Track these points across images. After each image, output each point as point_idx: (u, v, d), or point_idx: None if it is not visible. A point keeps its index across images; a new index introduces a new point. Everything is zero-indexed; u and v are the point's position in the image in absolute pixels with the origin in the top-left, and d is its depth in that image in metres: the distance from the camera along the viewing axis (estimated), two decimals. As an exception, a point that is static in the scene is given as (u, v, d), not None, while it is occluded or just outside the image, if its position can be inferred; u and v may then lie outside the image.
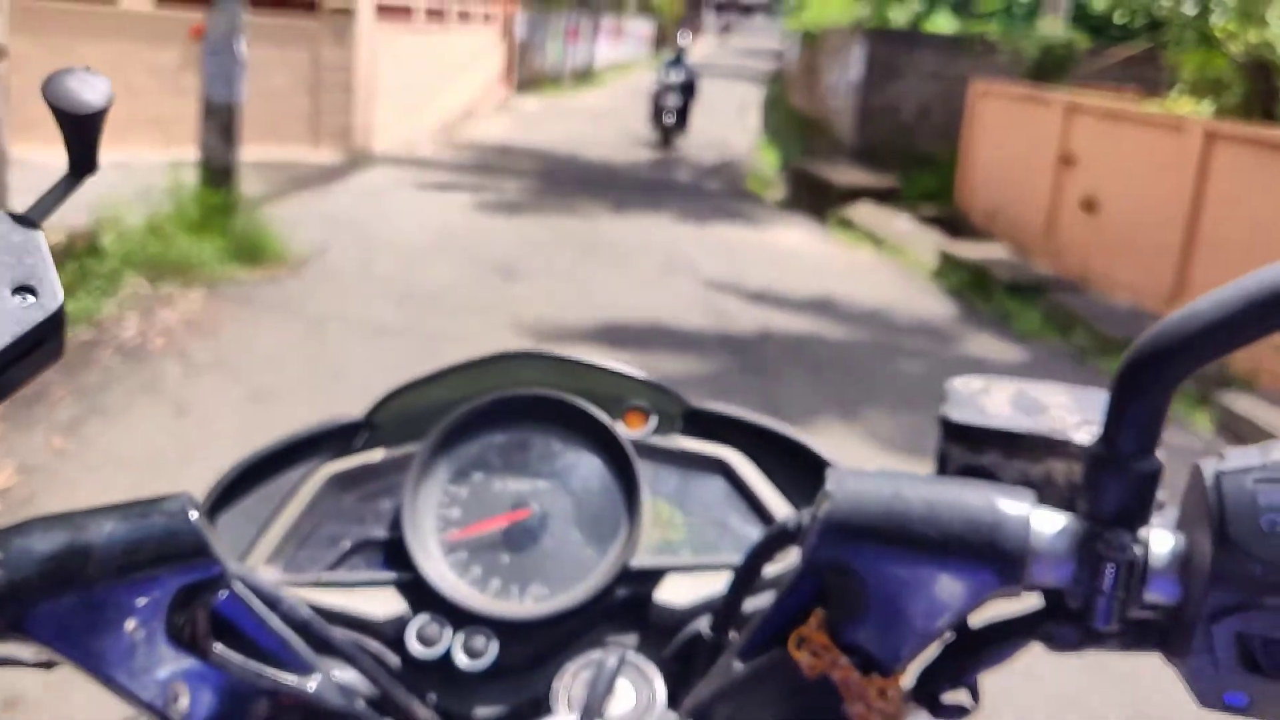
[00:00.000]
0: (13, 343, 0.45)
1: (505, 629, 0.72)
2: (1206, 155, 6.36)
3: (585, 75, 23.27)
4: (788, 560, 0.69)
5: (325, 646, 0.61)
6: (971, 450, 0.61)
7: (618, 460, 0.79)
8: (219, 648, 0.56)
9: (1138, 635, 0.52)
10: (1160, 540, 0.50)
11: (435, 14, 13.22)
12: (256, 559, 0.77)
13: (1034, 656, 0.57)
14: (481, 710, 0.71)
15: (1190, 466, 0.50)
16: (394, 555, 0.76)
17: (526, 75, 19.00)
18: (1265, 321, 0.45)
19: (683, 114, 13.77)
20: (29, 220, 0.49)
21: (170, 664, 0.53)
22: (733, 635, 0.65)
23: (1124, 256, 6.99)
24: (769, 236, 8.68)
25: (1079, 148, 8.07)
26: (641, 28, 32.20)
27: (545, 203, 9.29)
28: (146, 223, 5.76)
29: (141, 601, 0.52)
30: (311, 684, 0.58)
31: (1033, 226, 8.49)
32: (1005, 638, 0.56)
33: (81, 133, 0.50)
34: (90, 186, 0.52)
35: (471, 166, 11.08)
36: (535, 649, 0.72)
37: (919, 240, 8.37)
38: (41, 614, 0.50)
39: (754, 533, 0.79)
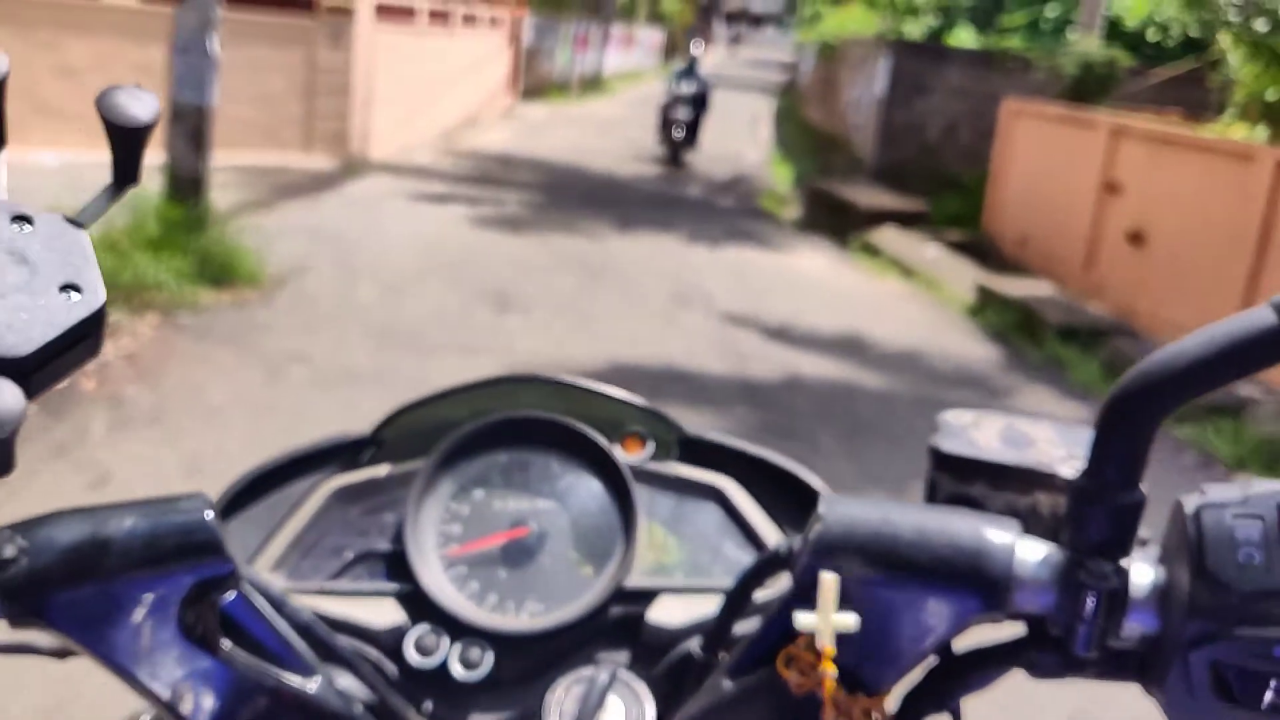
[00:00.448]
0: (58, 337, 0.46)
1: (501, 642, 0.73)
2: (1278, 187, 5.70)
3: (593, 83, 22.62)
4: (778, 586, 0.69)
5: (327, 651, 0.62)
6: (960, 480, 0.62)
7: (615, 484, 0.80)
8: (227, 645, 0.56)
9: (1117, 664, 0.53)
10: (1140, 571, 0.51)
11: (439, 16, 12.57)
12: (261, 566, 0.78)
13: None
14: None
15: (1172, 502, 0.50)
16: (395, 567, 0.77)
17: (533, 82, 18.34)
18: (1246, 363, 0.46)
19: (693, 128, 12.92)
20: (78, 223, 0.51)
21: (180, 658, 0.54)
22: (722, 656, 0.65)
23: (1175, 295, 6.33)
24: (787, 261, 8.01)
25: (1125, 175, 7.40)
26: (651, 36, 31.58)
27: (547, 219, 8.63)
28: (99, 237, 5.09)
29: (156, 595, 0.53)
30: (313, 686, 0.59)
31: (1070, 258, 7.82)
32: (988, 663, 0.57)
33: (128, 145, 0.51)
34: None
35: (471, 177, 10.42)
36: (529, 663, 0.73)
37: (951, 270, 7.69)
38: (61, 603, 0.51)
39: (746, 558, 0.80)
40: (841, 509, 0.54)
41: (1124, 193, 7.38)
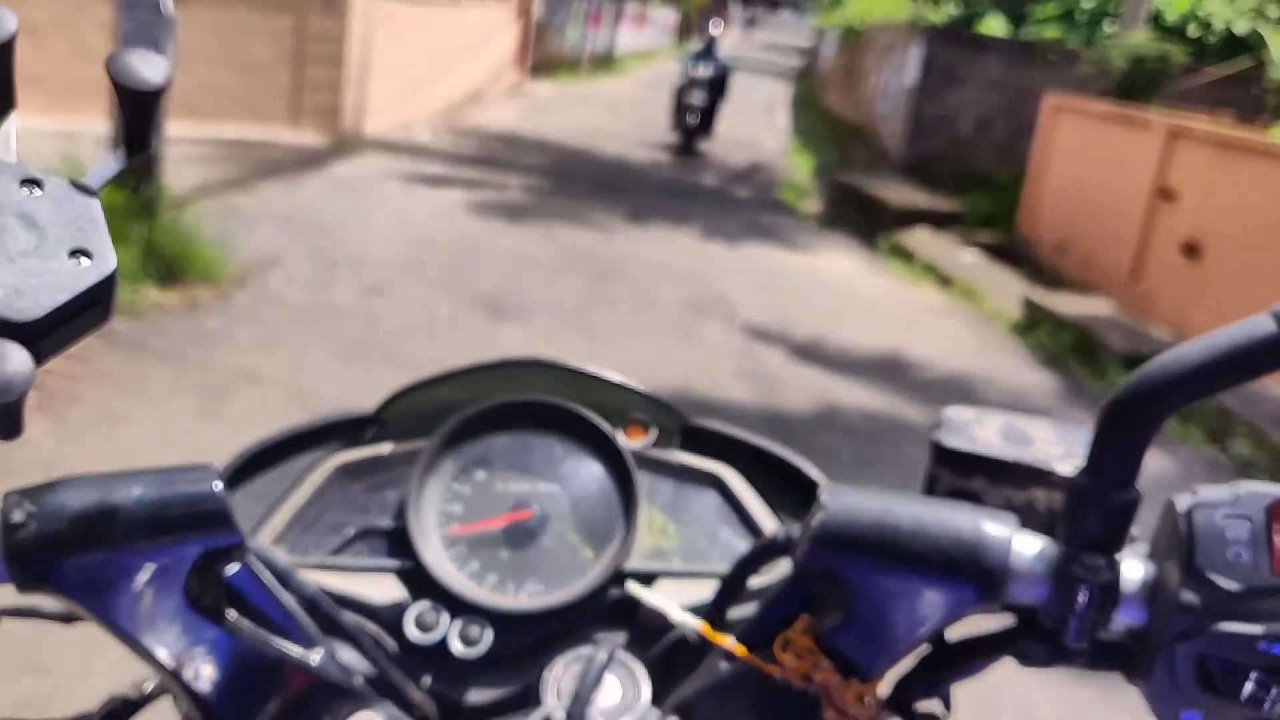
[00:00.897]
0: (67, 302, 0.46)
1: (500, 620, 0.72)
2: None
3: (605, 62, 21.77)
4: (773, 573, 0.71)
5: (329, 625, 0.63)
6: (960, 475, 0.63)
7: (617, 469, 0.80)
8: (232, 615, 0.56)
9: (1104, 655, 0.54)
10: (1132, 567, 0.52)
11: (444, -15, 11.76)
12: (263, 540, 0.77)
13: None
14: (473, 696, 0.71)
15: (1164, 502, 0.51)
16: (396, 544, 0.77)
17: (541, 58, 17.51)
18: (1245, 369, 0.47)
19: (709, 115, 11.88)
20: (87, 188, 0.50)
21: (185, 627, 0.54)
22: None
23: (1234, 312, 5.50)
24: (812, 263, 7.26)
25: (1182, 181, 6.65)
26: (666, 16, 30.67)
27: (552, 207, 7.87)
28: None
29: (163, 564, 0.53)
30: (315, 658, 0.59)
31: (1115, 268, 7.08)
32: (979, 651, 0.58)
33: (139, 109, 0.50)
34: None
35: (472, 158, 9.66)
36: (528, 641, 0.72)
37: (992, 280, 6.94)
38: (68, 568, 0.51)
39: (743, 545, 0.80)
40: (844, 498, 0.55)
41: (1179, 200, 6.64)
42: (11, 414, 0.43)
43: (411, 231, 6.46)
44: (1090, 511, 0.51)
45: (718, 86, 11.82)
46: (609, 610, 0.75)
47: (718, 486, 0.84)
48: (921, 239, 7.81)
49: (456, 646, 0.71)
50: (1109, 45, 9.05)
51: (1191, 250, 6.31)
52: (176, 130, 8.28)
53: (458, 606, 0.72)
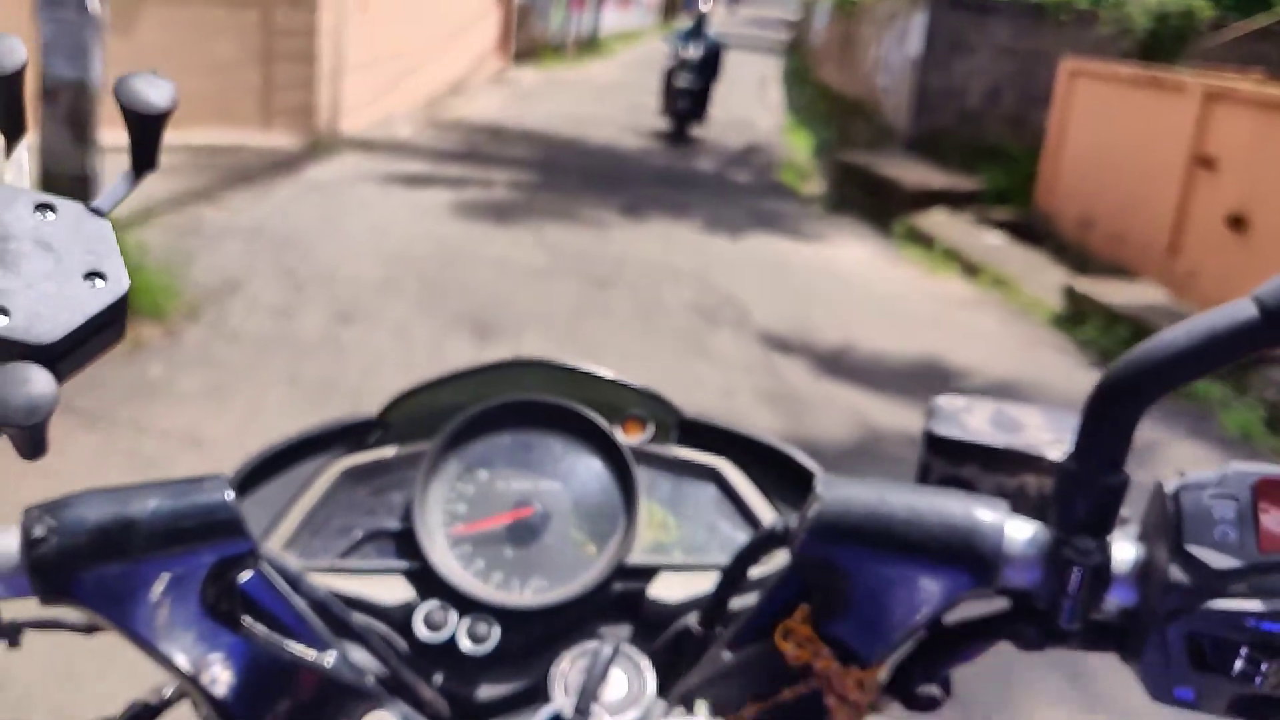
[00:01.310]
0: (84, 323, 0.47)
1: (507, 617, 0.73)
2: None
3: (590, 44, 21.06)
4: (772, 564, 0.72)
5: (341, 627, 0.63)
6: (952, 463, 0.63)
7: (616, 465, 0.80)
8: (246, 620, 0.56)
9: (1098, 636, 0.54)
10: (1122, 549, 0.52)
11: (419, -29, 11.09)
12: (273, 545, 0.77)
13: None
14: (484, 692, 0.72)
15: (1153, 484, 0.51)
16: (403, 546, 0.77)
17: (525, 44, 16.81)
18: (1228, 353, 0.47)
19: (701, 99, 11.00)
20: (99, 211, 0.50)
21: (202, 633, 0.54)
22: (719, 630, 0.66)
23: None
24: (824, 254, 6.66)
25: (1223, 147, 6.05)
26: (649, -6, 29.89)
27: (541, 204, 7.26)
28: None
29: (178, 573, 0.53)
30: (328, 660, 0.59)
31: (1150, 244, 6.49)
32: (976, 636, 0.58)
33: (145, 132, 0.51)
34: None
35: (456, 153, 9.03)
36: (535, 637, 0.73)
37: (1022, 266, 6.34)
38: (88, 580, 0.51)
39: (742, 537, 0.80)
40: (839, 489, 0.55)
41: (1220, 169, 6.04)
42: (38, 435, 0.44)
43: (389, 240, 5.85)
44: (1080, 496, 0.51)
45: (709, 67, 10.96)
46: (613, 604, 0.75)
47: (715, 480, 0.84)
48: (938, 221, 7.21)
49: (465, 644, 0.72)
50: (1129, 3, 8.41)
51: (1238, 223, 5.73)
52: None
53: (465, 605, 0.73)
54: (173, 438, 3.15)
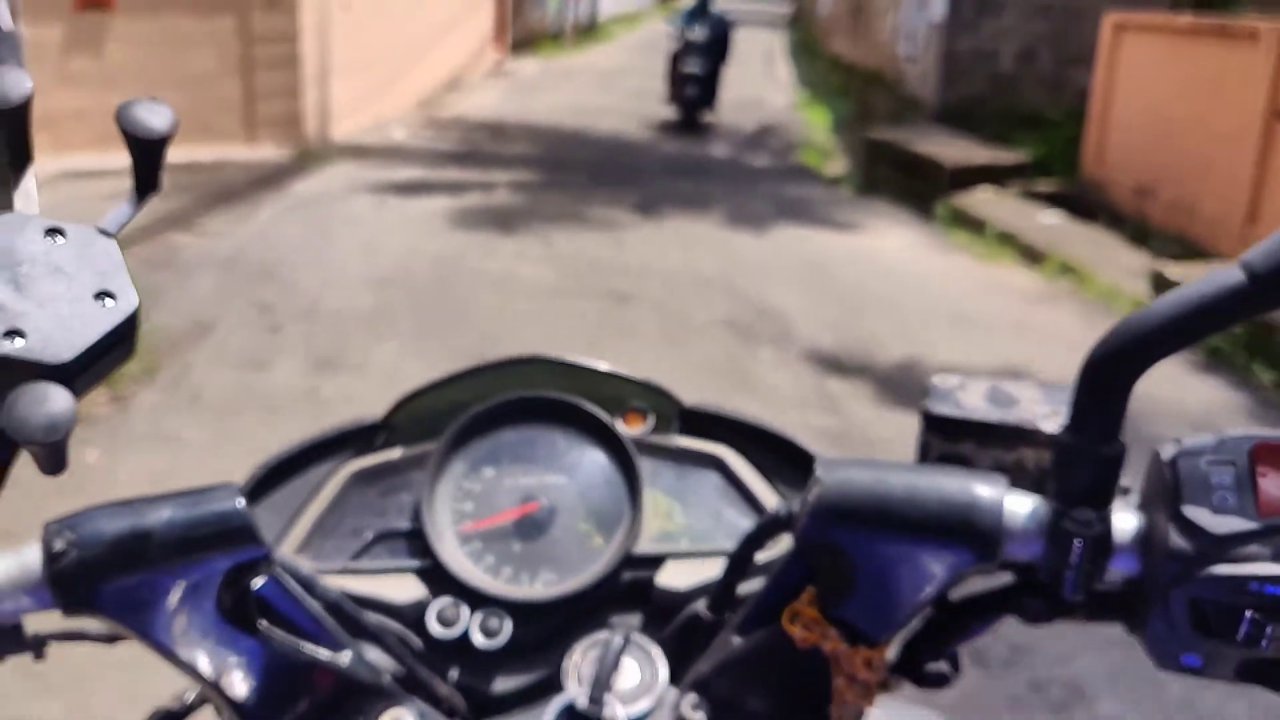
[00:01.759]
0: (97, 341, 0.48)
1: (518, 610, 0.73)
2: None
3: (589, 30, 20.26)
4: (778, 547, 0.71)
5: (355, 627, 0.63)
6: (949, 440, 0.63)
7: (619, 457, 0.80)
8: (263, 625, 0.57)
9: (1102, 606, 0.54)
10: (1122, 518, 0.51)
11: (405, -36, 10.36)
12: (286, 549, 0.78)
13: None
14: (499, 686, 0.71)
15: (1150, 452, 0.50)
16: (413, 545, 0.77)
17: (522, 34, 16.05)
18: (1217, 320, 0.46)
19: (710, 84, 9.98)
20: (107, 232, 0.51)
21: (220, 639, 0.54)
22: (728, 616, 0.65)
23: None
24: (864, 245, 5.94)
25: (1308, 101, 5.29)
26: (646, -25, 28.99)
27: (547, 208, 6.56)
28: None
29: (195, 581, 0.53)
30: (344, 660, 0.59)
31: (1223, 213, 5.74)
32: (981, 611, 0.58)
33: (147, 156, 0.52)
34: None
35: (454, 154, 8.33)
36: (546, 629, 0.73)
37: (1091, 250, 5.59)
38: (109, 591, 0.52)
39: (746, 523, 0.80)
40: (839, 471, 0.54)
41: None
42: (58, 451, 0.45)
43: (380, 261, 5.17)
44: (1077, 467, 0.51)
45: (718, 49, 9.95)
46: (622, 594, 0.75)
47: (718, 467, 0.84)
48: (985, 200, 6.46)
49: (478, 639, 0.72)
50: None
51: (1326, 184, 4.99)
52: (112, 162, 7.02)
53: (477, 600, 0.73)
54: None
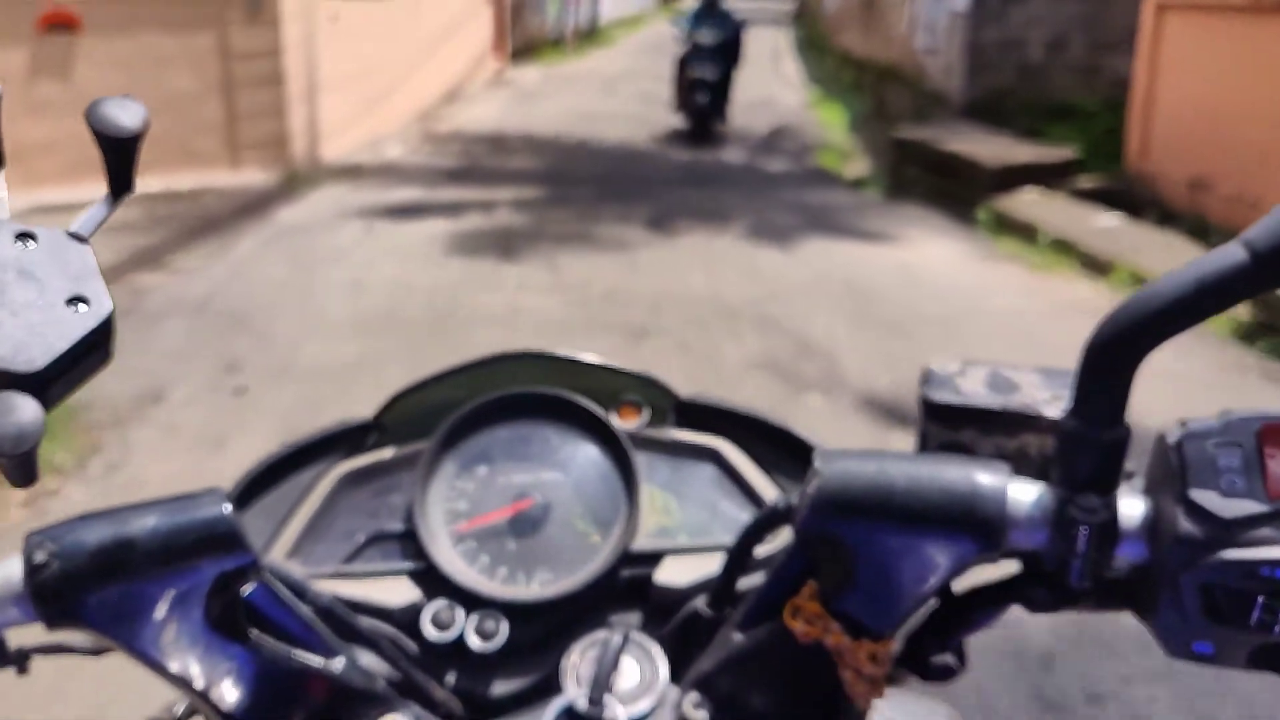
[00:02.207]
0: (70, 348, 0.46)
1: (515, 611, 0.70)
2: None
3: (591, 35, 19.60)
4: (777, 541, 0.70)
5: (348, 632, 0.61)
6: (950, 428, 0.60)
7: (614, 451, 0.78)
8: (253, 632, 0.55)
9: (1110, 594, 0.52)
10: (1129, 504, 0.50)
11: (396, -28, 9.71)
12: (276, 554, 0.75)
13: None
14: (496, 689, 0.69)
15: (1155, 436, 0.48)
16: (406, 547, 0.75)
17: (523, 41, 15.39)
18: (1220, 300, 0.45)
19: (721, 89, 8.83)
20: (79, 236, 0.50)
21: (209, 648, 0.53)
22: (729, 612, 0.64)
23: None
24: (903, 259, 5.27)
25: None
26: (646, -23, 28.29)
27: (552, 227, 5.91)
28: None
29: (182, 590, 0.52)
30: (337, 666, 0.57)
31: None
32: (987, 602, 0.56)
33: (119, 155, 0.50)
34: None
35: (453, 171, 7.69)
36: (544, 630, 0.71)
37: (1161, 255, 4.91)
38: (92, 603, 0.50)
39: (745, 516, 0.78)
40: (838, 462, 0.52)
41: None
42: (27, 463, 0.44)
43: (368, 299, 4.53)
44: (1081, 453, 0.49)
45: (729, 52, 8.94)
46: (620, 592, 0.73)
47: (715, 459, 0.81)
48: (1031, 203, 5.79)
49: (474, 641, 0.69)
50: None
51: None
52: (86, 194, 6.41)
53: (472, 602, 0.70)
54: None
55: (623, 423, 0.82)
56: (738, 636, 0.56)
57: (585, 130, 9.53)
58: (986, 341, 4.01)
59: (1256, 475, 0.46)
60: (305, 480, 0.81)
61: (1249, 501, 0.46)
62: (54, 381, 0.46)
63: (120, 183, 0.51)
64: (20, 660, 0.56)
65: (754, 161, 8.27)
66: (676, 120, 9.60)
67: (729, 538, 0.66)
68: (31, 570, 0.50)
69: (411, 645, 0.69)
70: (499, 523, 0.74)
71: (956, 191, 6.22)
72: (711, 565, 0.69)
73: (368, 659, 0.62)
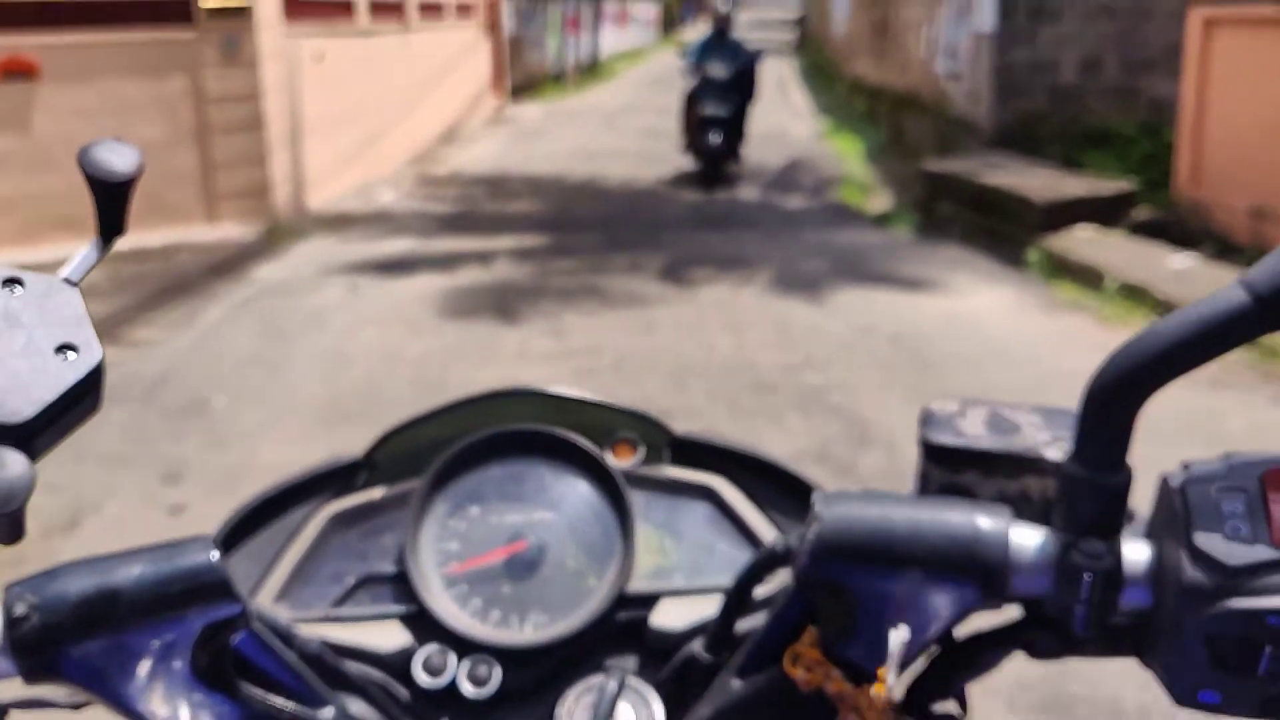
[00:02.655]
0: (58, 398, 0.45)
1: (508, 656, 0.68)
2: None
3: (591, 69, 19.10)
4: (776, 582, 0.65)
5: (337, 679, 0.60)
6: (950, 470, 0.58)
7: (609, 490, 0.75)
8: (241, 685, 0.53)
9: (1115, 640, 0.50)
10: (1133, 549, 0.48)
11: (387, 9, 9.14)
12: (264, 598, 0.72)
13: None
14: None
15: (1158, 479, 0.47)
16: (397, 589, 0.72)
17: (521, 77, 14.85)
18: (1222, 343, 0.43)
19: (736, 128, 7.90)
20: (69, 281, 0.49)
21: (195, 701, 0.51)
22: (726, 656, 0.60)
23: None
24: (953, 309, 4.62)
25: None
26: (647, 10, 27.90)
27: (557, 281, 5.27)
28: None
29: (168, 641, 0.50)
30: (326, 716, 0.55)
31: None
32: (989, 648, 0.54)
33: (112, 199, 0.50)
34: None
35: (448, 218, 7.07)
36: (538, 675, 0.68)
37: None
38: (74, 656, 0.48)
39: (742, 556, 0.75)
40: (838, 506, 0.51)
41: None
42: (15, 520, 0.42)
43: (346, 377, 3.89)
44: (1084, 497, 0.47)
45: (743, 87, 8.02)
46: (615, 635, 0.70)
47: (711, 498, 0.79)
48: (1088, 241, 5.13)
49: (467, 688, 0.66)
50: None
51: None
52: (46, 255, 5.81)
53: (464, 647, 0.68)
54: None
55: (618, 461, 0.78)
56: (736, 683, 0.54)
57: (589, 169, 8.91)
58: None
59: (1261, 521, 0.44)
60: (293, 521, 0.77)
61: (1254, 547, 0.44)
62: (41, 433, 0.44)
63: (112, 226, 0.50)
64: None
65: (770, 199, 7.64)
66: (685, 161, 8.80)
67: (726, 578, 0.64)
68: (11, 623, 0.47)
69: (403, 692, 0.66)
70: (493, 565, 0.71)
71: (999, 229, 5.57)
72: (709, 607, 0.66)
73: (358, 707, 0.60)
